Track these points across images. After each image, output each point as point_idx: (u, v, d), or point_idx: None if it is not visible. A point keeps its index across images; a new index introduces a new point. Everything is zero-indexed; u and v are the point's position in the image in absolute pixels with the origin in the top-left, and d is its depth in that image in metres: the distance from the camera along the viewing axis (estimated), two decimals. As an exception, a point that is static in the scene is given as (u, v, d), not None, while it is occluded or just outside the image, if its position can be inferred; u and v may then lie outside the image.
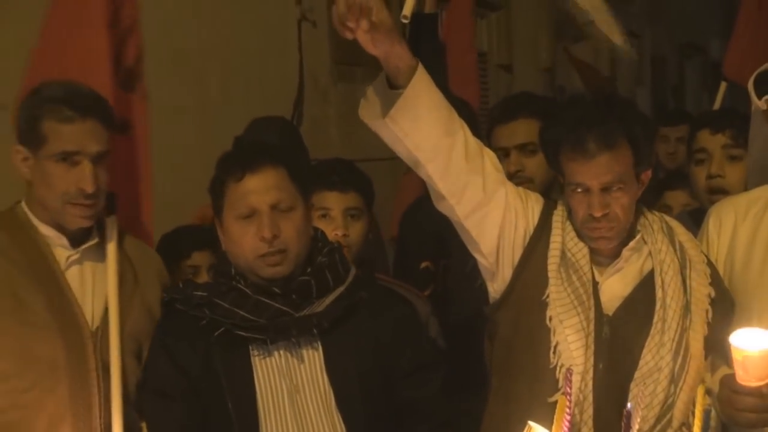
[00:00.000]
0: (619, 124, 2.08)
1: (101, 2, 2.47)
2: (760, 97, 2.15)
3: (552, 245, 2.17)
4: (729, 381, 1.99)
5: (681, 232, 2.23)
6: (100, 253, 2.24)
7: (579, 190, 2.10)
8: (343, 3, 1.80)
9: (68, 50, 2.48)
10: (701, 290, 2.14)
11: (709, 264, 2.20)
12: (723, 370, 2.06)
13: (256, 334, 2.11)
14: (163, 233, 3.11)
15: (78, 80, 2.28)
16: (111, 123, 2.21)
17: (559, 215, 2.21)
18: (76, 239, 2.20)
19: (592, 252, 2.18)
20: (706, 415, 1.71)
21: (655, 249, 2.17)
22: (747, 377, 1.91)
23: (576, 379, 2.05)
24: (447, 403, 2.26)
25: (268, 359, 2.13)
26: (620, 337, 2.12)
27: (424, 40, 2.78)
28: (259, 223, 2.09)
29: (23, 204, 2.21)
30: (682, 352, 2.10)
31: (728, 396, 1.99)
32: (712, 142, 2.82)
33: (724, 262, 2.25)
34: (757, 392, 1.92)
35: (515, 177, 2.79)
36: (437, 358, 2.32)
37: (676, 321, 2.11)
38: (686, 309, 2.13)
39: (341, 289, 2.19)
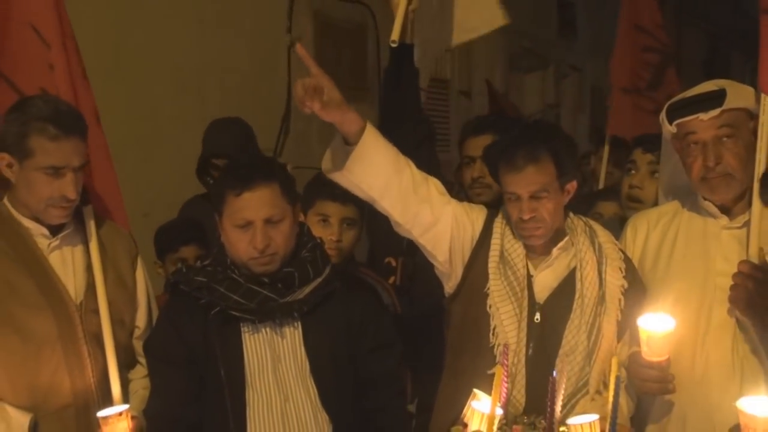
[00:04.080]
0: (543, 143, 2.20)
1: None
2: (671, 122, 2.23)
3: (492, 247, 2.29)
4: (636, 356, 2.10)
5: (601, 234, 2.33)
6: (75, 237, 2.28)
7: (512, 198, 2.23)
8: (301, 87, 1.98)
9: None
10: (615, 283, 2.25)
11: (626, 260, 2.31)
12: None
13: (247, 315, 2.18)
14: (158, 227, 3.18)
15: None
16: (87, 137, 2.20)
17: (499, 222, 2.33)
18: (54, 228, 2.23)
19: (528, 250, 2.29)
20: (617, 380, 1.80)
21: (577, 249, 2.28)
22: (650, 353, 2.03)
23: (510, 355, 2.16)
24: (402, 376, 2.35)
25: (255, 335, 2.21)
26: (549, 322, 2.22)
27: (406, 66, 2.87)
28: (253, 234, 2.15)
29: (6, 201, 2.22)
30: (594, 333, 2.21)
31: (635, 369, 2.10)
32: (642, 159, 2.93)
33: (638, 261, 2.34)
34: (658, 366, 2.04)
35: (477, 182, 2.91)
36: (395, 338, 2.39)
37: (590, 308, 2.22)
38: (601, 298, 2.24)
39: (319, 280, 2.25)
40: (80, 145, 2.16)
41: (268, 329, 2.21)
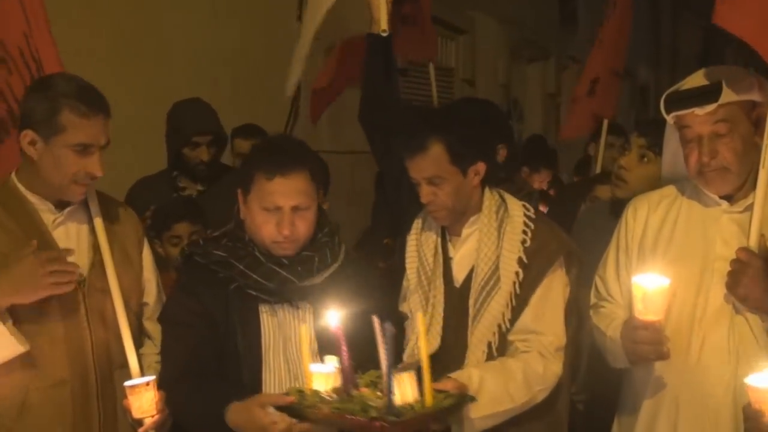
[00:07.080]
0: (432, 131, 2.16)
1: None
2: (668, 113, 2.13)
3: (408, 245, 2.32)
4: (629, 318, 2.01)
5: (513, 208, 2.25)
6: (80, 214, 2.19)
7: (415, 182, 2.22)
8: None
9: None
10: (511, 257, 2.18)
11: (538, 231, 2.22)
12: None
13: (265, 296, 2.11)
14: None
15: None
16: (110, 117, 2.12)
17: (415, 226, 2.33)
18: (60, 204, 2.14)
19: (449, 233, 2.27)
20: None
21: (480, 227, 2.23)
22: (645, 311, 1.92)
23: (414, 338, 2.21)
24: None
25: (271, 314, 2.14)
26: (463, 301, 2.21)
27: (387, 58, 2.78)
28: (280, 219, 2.07)
29: (14, 177, 2.12)
30: (477, 306, 2.18)
31: (628, 332, 2.01)
32: (635, 141, 2.86)
33: (639, 240, 2.23)
34: (652, 326, 1.94)
35: None
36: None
37: (479, 284, 2.18)
38: (494, 274, 2.18)
39: (336, 265, 2.19)
40: (106, 123, 2.09)
41: (282, 310, 2.14)
